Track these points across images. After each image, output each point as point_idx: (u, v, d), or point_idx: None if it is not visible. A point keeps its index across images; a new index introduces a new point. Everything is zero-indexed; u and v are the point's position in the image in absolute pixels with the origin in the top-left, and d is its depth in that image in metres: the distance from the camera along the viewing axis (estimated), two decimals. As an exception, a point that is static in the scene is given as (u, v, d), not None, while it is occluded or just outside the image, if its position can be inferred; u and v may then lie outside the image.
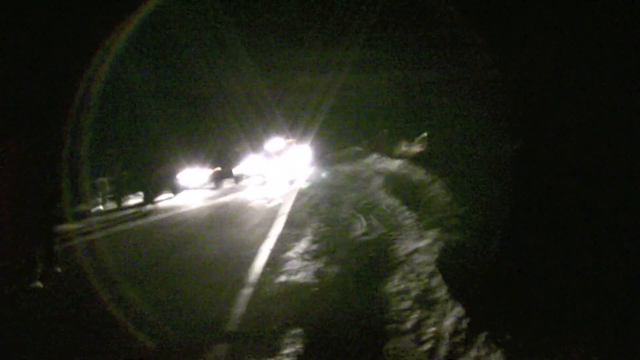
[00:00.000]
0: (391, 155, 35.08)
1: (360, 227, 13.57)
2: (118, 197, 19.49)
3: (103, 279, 9.77)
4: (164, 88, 31.89)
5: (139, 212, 18.40)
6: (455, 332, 5.99)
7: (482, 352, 5.42)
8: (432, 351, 5.97)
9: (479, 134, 21.80)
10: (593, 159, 11.41)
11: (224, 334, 6.72)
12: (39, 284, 9.21)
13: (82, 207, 18.52)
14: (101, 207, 18.72)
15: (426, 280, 7.97)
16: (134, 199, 21.06)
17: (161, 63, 32.58)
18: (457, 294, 6.75)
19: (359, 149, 45.19)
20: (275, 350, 6.17)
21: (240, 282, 8.93)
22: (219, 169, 27.68)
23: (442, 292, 7.09)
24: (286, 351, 6.12)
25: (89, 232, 14.51)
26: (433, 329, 6.37)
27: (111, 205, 19.65)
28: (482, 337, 5.58)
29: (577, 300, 6.40)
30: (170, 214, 17.90)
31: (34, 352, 6.79)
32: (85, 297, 8.79)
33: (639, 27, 10.66)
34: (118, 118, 28.26)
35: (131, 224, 15.62)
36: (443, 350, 5.87)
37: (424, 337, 6.30)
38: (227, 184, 29.26)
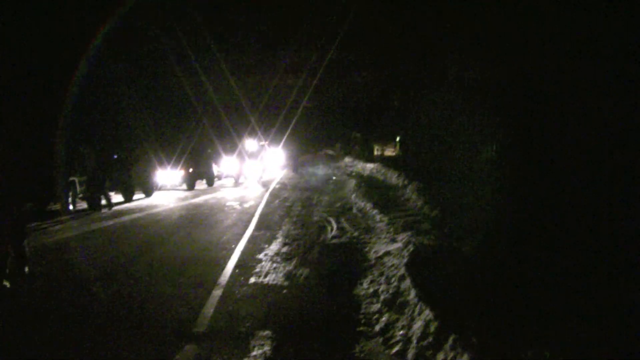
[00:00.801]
0: (364, 159, 35.22)
1: (331, 229, 13.59)
2: (90, 196, 19.31)
3: (72, 278, 9.67)
4: (139, 88, 31.70)
5: (112, 212, 18.24)
6: (423, 335, 5.99)
7: (450, 355, 5.43)
8: (401, 354, 5.98)
9: (452, 139, 21.96)
10: (566, 161, 11.55)
11: (194, 334, 6.67)
12: (7, 283, 9.08)
13: (55, 207, 18.31)
14: (71, 207, 18.53)
15: (396, 284, 7.98)
16: (107, 199, 20.88)
17: (137, 64, 32.37)
18: (426, 297, 6.76)
19: (331, 152, 45.32)
20: (245, 351, 6.14)
21: (211, 283, 8.87)
22: (192, 170, 27.53)
23: (411, 296, 7.09)
24: (255, 352, 6.09)
25: (59, 232, 14.34)
26: (402, 332, 6.38)
27: (83, 205, 19.46)
28: (450, 340, 5.59)
29: (545, 302, 6.45)
30: (142, 214, 17.76)
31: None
32: (53, 296, 8.69)
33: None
34: (93, 117, 28.02)
35: (103, 224, 15.46)
36: (411, 353, 5.89)
37: (393, 340, 6.31)
38: (201, 185, 29.15)
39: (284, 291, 8.51)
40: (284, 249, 11.46)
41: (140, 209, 19.09)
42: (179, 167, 26.59)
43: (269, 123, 40.20)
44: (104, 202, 19.68)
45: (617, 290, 6.87)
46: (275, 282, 9.02)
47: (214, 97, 36.08)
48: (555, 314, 6.12)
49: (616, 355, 5.19)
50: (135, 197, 22.57)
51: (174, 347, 6.26)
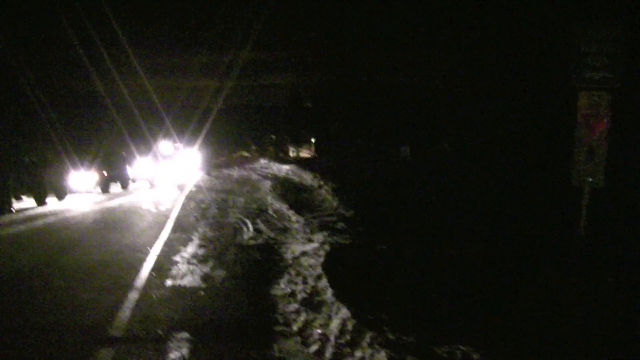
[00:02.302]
0: (279, 160, 35.28)
1: (247, 231, 13.57)
2: (0, 200, 18.64)
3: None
4: (48, 88, 30.82)
5: (23, 217, 17.68)
6: (341, 334, 6.08)
7: (367, 353, 5.53)
8: (319, 352, 6.04)
9: (365, 141, 22.27)
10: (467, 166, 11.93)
11: (109, 338, 6.57)
12: None
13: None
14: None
15: (313, 283, 8.06)
16: (18, 203, 20.21)
17: (48, 60, 31.49)
18: (343, 296, 6.86)
19: (247, 154, 45.21)
20: (162, 353, 6.09)
21: (126, 286, 8.74)
22: (106, 172, 26.94)
23: (328, 295, 7.18)
24: (172, 354, 6.05)
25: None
26: (319, 330, 6.44)
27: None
28: (367, 337, 5.69)
29: (459, 298, 6.65)
30: (55, 218, 17.28)
31: None
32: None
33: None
34: (1, 117, 27.08)
35: (13, 229, 14.99)
36: (330, 351, 5.96)
37: (311, 339, 6.37)
38: (115, 187, 28.58)
39: (201, 293, 8.46)
40: (200, 251, 11.38)
41: (53, 213, 18.57)
42: (92, 170, 25.96)
43: (185, 125, 39.76)
44: (15, 206, 19.10)
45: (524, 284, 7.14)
46: (191, 284, 8.95)
47: (128, 98, 35.45)
48: (469, 308, 6.32)
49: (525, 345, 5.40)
50: (47, 200, 21.94)
51: (89, 351, 6.15)
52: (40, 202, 21.26)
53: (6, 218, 17.32)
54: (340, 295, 6.87)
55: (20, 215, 18.14)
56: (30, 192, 21.58)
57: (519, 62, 11.46)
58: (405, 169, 17.73)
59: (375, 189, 16.62)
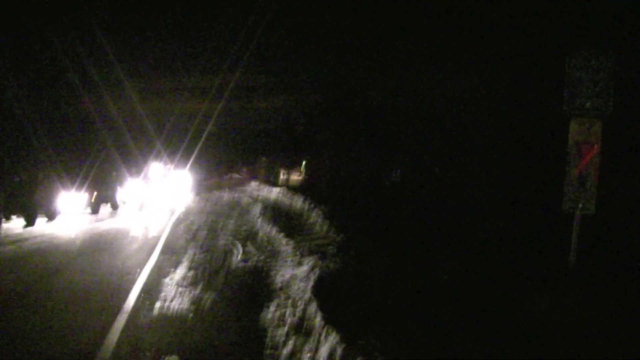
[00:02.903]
0: (270, 183, 35.29)
1: (237, 254, 13.55)
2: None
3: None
4: (39, 108, 30.77)
5: (11, 237, 17.56)
6: (330, 359, 6.06)
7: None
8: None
9: (356, 165, 22.31)
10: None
11: (96, 364, 6.53)
12: None
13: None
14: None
15: (302, 308, 8.04)
16: (7, 223, 20.10)
17: (39, 81, 31.49)
18: (333, 320, 6.84)
19: (238, 176, 45.20)
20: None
21: (115, 310, 8.68)
22: (96, 193, 26.89)
23: (317, 319, 7.16)
24: (161, 380, 6.03)
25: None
26: (309, 355, 6.42)
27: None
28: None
29: (451, 318, 6.64)
30: (44, 239, 17.19)
31: None
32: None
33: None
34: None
35: (2, 251, 14.89)
36: (319, 377, 5.94)
37: (300, 364, 6.35)
38: (105, 209, 28.49)
39: (191, 316, 8.43)
40: (190, 274, 11.34)
41: (42, 235, 18.48)
42: (82, 191, 25.89)
43: (175, 147, 39.77)
44: (3, 227, 18.98)
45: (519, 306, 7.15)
46: (181, 307, 8.92)
47: (118, 120, 35.45)
48: (462, 330, 6.31)
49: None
50: (37, 221, 21.82)
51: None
52: (30, 222, 21.16)
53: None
54: (330, 320, 6.85)
55: (9, 237, 18.03)
56: (20, 212, 21.49)
57: (511, 88, 11.56)
58: (396, 193, 17.75)
59: (366, 213, 16.63)
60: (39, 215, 22.27)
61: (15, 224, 20.47)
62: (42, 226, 21.10)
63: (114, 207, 29.07)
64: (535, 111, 10.97)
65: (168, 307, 8.93)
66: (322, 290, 8.41)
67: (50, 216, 23.13)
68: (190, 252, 14.00)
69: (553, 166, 9.87)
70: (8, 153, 26.22)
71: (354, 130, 22.61)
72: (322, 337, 6.60)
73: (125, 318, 8.32)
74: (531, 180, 11.27)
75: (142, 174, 33.58)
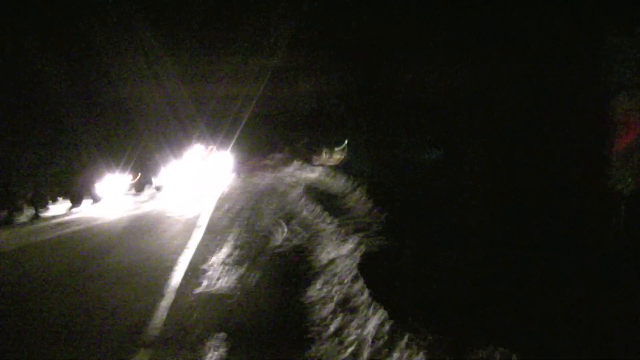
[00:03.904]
0: (312, 163, 35.26)
1: (282, 233, 13.56)
2: (36, 205, 18.85)
3: (17, 288, 9.47)
4: (83, 92, 31.14)
5: (59, 221, 17.85)
6: (378, 335, 6.03)
7: (405, 355, 5.47)
8: (355, 355, 6.01)
9: (397, 143, 22.14)
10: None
11: (145, 340, 6.60)
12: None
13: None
14: (22, 217, 18.05)
15: (349, 285, 8.01)
16: (54, 207, 20.48)
17: (79, 66, 31.82)
18: (379, 298, 6.80)
19: (280, 156, 45.21)
20: (199, 354, 6.10)
21: (161, 289, 8.78)
22: (140, 176, 27.28)
23: (364, 297, 7.13)
24: (210, 355, 6.05)
25: (3, 243, 13.98)
26: (356, 332, 6.40)
27: (28, 213, 18.99)
28: (404, 339, 5.63)
29: (495, 300, 6.56)
30: (89, 221, 17.47)
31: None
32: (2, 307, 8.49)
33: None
34: (35, 122, 27.41)
35: (47, 235, 15.14)
36: (366, 353, 5.91)
37: (347, 341, 6.33)
38: (149, 191, 28.83)
39: (236, 294, 8.47)
40: (235, 253, 11.39)
41: (88, 216, 18.77)
42: (126, 173, 26.27)
43: (217, 128, 39.92)
44: (51, 211, 19.31)
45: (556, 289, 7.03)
46: (227, 285, 8.97)
47: (161, 103, 35.72)
48: (507, 311, 6.23)
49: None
50: (83, 204, 22.18)
51: (128, 352, 6.18)
52: (76, 204, 21.52)
53: (40, 224, 17.53)
54: (377, 297, 6.81)
55: (56, 219, 18.33)
56: (65, 194, 21.89)
57: (552, 64, 11.31)
58: (438, 171, 17.58)
59: (409, 190, 16.51)
60: (84, 197, 22.64)
61: (61, 206, 20.83)
62: (87, 208, 21.44)
63: (157, 188, 29.41)
64: (577, 86, 10.74)
65: (214, 286, 8.98)
66: (368, 268, 8.37)
67: (95, 198, 23.51)
68: (234, 231, 14.06)
69: (594, 146, 9.64)
70: (53, 137, 26.63)
71: (392, 108, 22.40)
72: (369, 314, 6.57)
73: (172, 297, 8.40)
74: (574, 161, 11.05)
75: (185, 156, 33.86)
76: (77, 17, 27.24)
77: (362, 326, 6.44)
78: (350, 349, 6.13)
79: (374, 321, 6.31)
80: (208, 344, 6.41)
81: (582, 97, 10.44)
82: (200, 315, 7.47)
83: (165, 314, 7.60)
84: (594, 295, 6.79)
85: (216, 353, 6.13)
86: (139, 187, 27.15)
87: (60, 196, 22.05)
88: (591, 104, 9.99)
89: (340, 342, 6.35)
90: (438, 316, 6.04)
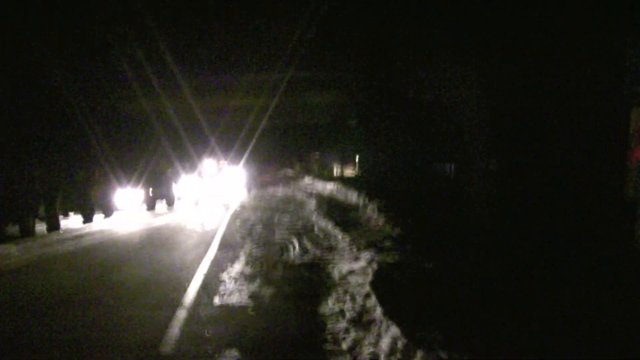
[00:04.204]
0: (324, 178, 35.32)
1: (294, 249, 13.59)
2: (49, 218, 18.99)
3: (32, 303, 9.51)
4: (97, 106, 31.34)
5: (73, 234, 17.94)
6: (391, 352, 6.05)
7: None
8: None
9: (409, 160, 22.17)
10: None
11: (159, 356, 6.63)
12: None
13: (10, 229, 17.99)
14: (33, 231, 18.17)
15: (361, 302, 8.04)
16: (65, 219, 20.62)
17: (92, 80, 32.05)
18: (392, 314, 6.82)
19: (291, 172, 45.36)
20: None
21: (175, 304, 8.81)
22: (152, 190, 27.40)
23: (377, 313, 7.16)
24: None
25: (17, 256, 14.08)
26: (370, 349, 6.42)
27: (41, 227, 19.12)
28: (418, 355, 5.65)
29: (513, 318, 6.56)
30: (103, 235, 17.56)
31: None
32: (11, 323, 8.53)
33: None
34: (46, 134, 27.57)
35: (62, 247, 15.23)
36: (379, 370, 5.94)
37: (361, 357, 6.34)
38: (161, 205, 28.94)
39: (250, 311, 8.50)
40: (248, 269, 11.43)
41: (100, 230, 18.87)
42: (138, 188, 26.39)
43: (229, 143, 40.08)
44: (64, 223, 19.41)
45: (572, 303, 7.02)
46: (240, 302, 8.99)
47: (173, 117, 35.90)
48: (522, 326, 6.24)
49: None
50: (94, 218, 22.28)
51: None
52: (88, 219, 21.63)
53: (55, 236, 17.63)
54: (390, 313, 6.84)
55: (68, 233, 18.43)
56: (77, 209, 22.01)
57: (569, 76, 11.32)
58: (450, 187, 17.60)
59: (421, 207, 16.54)
60: (96, 212, 22.76)
61: (73, 221, 20.95)
62: (99, 222, 21.55)
63: (170, 203, 29.50)
64: (595, 99, 10.75)
65: (227, 302, 9.01)
66: (381, 284, 8.40)
67: (107, 212, 23.63)
68: (247, 247, 14.10)
69: (614, 154, 9.65)
70: (65, 151, 26.78)
71: (407, 125, 22.47)
72: (382, 331, 6.59)
73: (186, 312, 8.43)
74: (592, 169, 11.05)
75: (197, 170, 34.00)
76: (94, 31, 27.46)
77: (375, 343, 6.47)
78: (363, 366, 6.16)
79: (387, 338, 6.33)
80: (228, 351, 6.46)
81: (602, 108, 10.46)
82: (214, 330, 7.50)
83: (179, 328, 7.64)
84: (611, 296, 6.81)
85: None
86: (151, 202, 27.28)
87: (72, 211, 22.19)
88: (611, 115, 10.01)
89: (355, 358, 6.37)
90: (452, 333, 6.05)
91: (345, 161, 39.33)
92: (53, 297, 9.74)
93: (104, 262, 13.09)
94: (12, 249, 14.93)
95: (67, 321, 8.26)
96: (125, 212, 25.01)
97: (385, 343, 6.28)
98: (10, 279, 11.72)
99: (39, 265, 12.98)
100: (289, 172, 45.25)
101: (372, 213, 17.27)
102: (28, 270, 12.49)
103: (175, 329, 7.62)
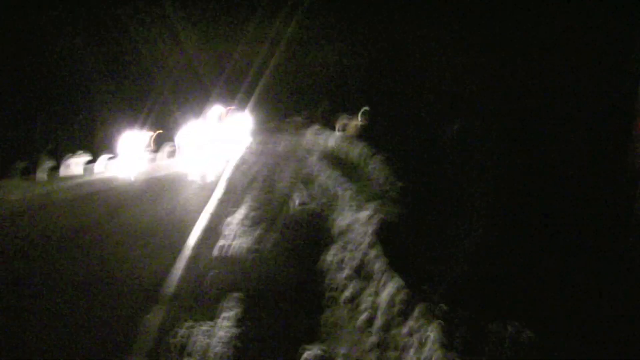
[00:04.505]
0: (330, 128, 35.18)
1: (299, 196, 13.56)
2: (57, 157, 18.94)
3: (36, 244, 9.54)
4: (105, 50, 31.13)
5: (80, 178, 17.92)
6: (391, 303, 6.05)
7: (419, 323, 5.49)
8: (370, 321, 6.04)
9: (416, 113, 22.02)
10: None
11: (163, 295, 6.66)
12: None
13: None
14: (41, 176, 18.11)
15: (364, 252, 8.03)
16: (73, 161, 20.60)
17: (97, 25, 31.77)
18: (395, 266, 6.81)
19: (298, 119, 45.15)
20: (214, 312, 6.15)
21: (177, 248, 8.83)
22: (156, 134, 27.40)
23: (379, 264, 7.15)
24: (225, 314, 6.10)
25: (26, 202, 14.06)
26: (370, 299, 6.42)
27: (47, 166, 19.08)
28: (419, 308, 5.65)
29: (511, 275, 6.55)
30: (104, 181, 17.55)
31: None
32: (18, 263, 8.56)
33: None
34: (57, 76, 27.44)
35: (66, 194, 15.20)
36: (380, 320, 5.94)
37: (362, 307, 6.35)
38: (168, 148, 28.93)
39: (252, 256, 8.51)
40: (251, 214, 11.42)
41: (103, 175, 18.86)
42: (143, 132, 26.37)
43: (236, 89, 39.86)
44: (70, 169, 19.43)
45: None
46: (242, 246, 9.00)
47: (180, 63, 35.66)
48: (522, 287, 6.22)
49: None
50: (102, 161, 22.28)
51: (143, 308, 6.24)
52: (94, 158, 21.64)
53: (60, 182, 17.62)
54: (392, 265, 6.82)
55: (73, 180, 18.41)
56: (85, 148, 22.03)
57: (583, 55, 11.13)
58: (454, 147, 17.50)
59: (425, 161, 16.47)
60: (103, 152, 22.77)
61: (80, 161, 20.96)
62: (106, 165, 21.56)
63: (174, 148, 29.48)
64: (605, 79, 10.59)
65: (229, 247, 9.02)
66: (384, 236, 8.38)
67: (114, 153, 23.63)
68: (252, 192, 14.07)
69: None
70: (69, 95, 26.69)
71: (414, 79, 22.25)
72: (384, 282, 6.59)
73: (188, 256, 8.45)
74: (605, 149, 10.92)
75: (202, 116, 33.86)
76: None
77: (376, 293, 6.46)
78: (364, 315, 6.16)
79: (388, 289, 6.32)
80: (224, 302, 6.46)
81: (612, 90, 10.31)
82: (215, 275, 7.52)
83: (181, 273, 7.66)
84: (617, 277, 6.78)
85: (232, 311, 6.18)
86: (155, 147, 27.26)
87: (80, 149, 22.19)
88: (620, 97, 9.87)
89: (355, 308, 6.38)
90: (453, 287, 6.04)
91: (351, 112, 39.10)
92: (59, 240, 9.77)
93: (106, 208, 13.10)
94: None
95: (70, 264, 8.29)
96: (129, 157, 25.02)
97: (386, 294, 6.28)
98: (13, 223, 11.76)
99: (44, 208, 13.00)
100: (296, 120, 45.03)
101: (377, 165, 17.20)
102: (31, 214, 12.51)
103: (177, 272, 7.65)
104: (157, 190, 15.44)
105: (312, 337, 6.06)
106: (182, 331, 6.01)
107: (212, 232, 9.98)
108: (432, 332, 5.29)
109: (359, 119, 36.13)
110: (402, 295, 6.01)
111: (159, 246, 9.09)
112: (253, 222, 10.75)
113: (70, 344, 6.16)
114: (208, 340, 6.02)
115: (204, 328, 6.04)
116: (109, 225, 10.89)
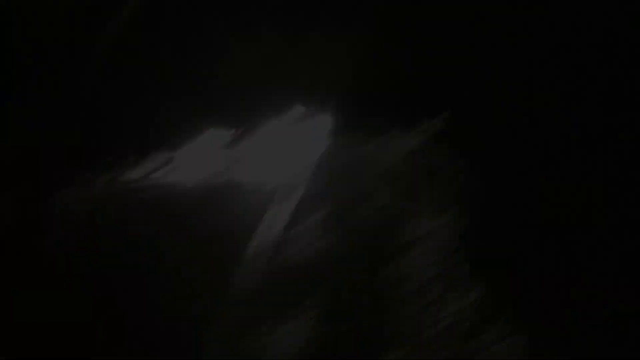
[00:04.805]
0: (413, 129, 35.17)
1: (380, 198, 13.38)
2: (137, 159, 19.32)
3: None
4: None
5: (142, 185, 18.12)
6: (476, 310, 5.90)
7: (505, 332, 5.35)
8: (451, 328, 5.91)
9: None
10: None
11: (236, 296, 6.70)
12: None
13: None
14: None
15: (448, 256, 7.84)
16: (154, 165, 21.06)
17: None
18: (480, 272, 6.62)
19: (384, 119, 45.30)
20: (294, 313, 6.14)
21: (241, 255, 8.80)
22: (236, 132, 27.90)
23: (464, 269, 6.97)
24: (303, 315, 6.08)
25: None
26: (453, 305, 6.27)
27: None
28: (504, 316, 5.50)
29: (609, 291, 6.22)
30: (174, 187, 17.75)
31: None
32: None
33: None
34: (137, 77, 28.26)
35: (132, 197, 15.41)
36: (463, 327, 5.82)
37: (444, 313, 6.21)
38: (240, 149, 29.45)
39: (329, 257, 8.42)
40: (330, 215, 11.18)
41: (173, 179, 19.16)
42: (224, 129, 26.87)
43: (318, 88, 40.31)
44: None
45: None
46: (320, 246, 8.91)
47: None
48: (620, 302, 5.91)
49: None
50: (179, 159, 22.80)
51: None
52: (167, 157, 22.02)
53: (124, 186, 17.90)
54: (478, 270, 6.66)
55: (136, 184, 18.64)
56: (165, 146, 22.49)
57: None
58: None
59: (517, 162, 16.15)
60: (179, 148, 23.22)
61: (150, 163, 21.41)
62: (176, 165, 21.93)
63: (252, 147, 29.90)
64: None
65: (306, 247, 8.91)
66: (470, 240, 8.17)
67: (190, 151, 24.06)
68: (329, 194, 13.88)
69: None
70: (154, 90, 27.34)
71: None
72: (469, 287, 6.46)
73: (261, 256, 8.44)
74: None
75: (282, 116, 34.25)
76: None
77: (460, 299, 6.30)
78: (446, 322, 6.02)
79: (473, 295, 6.16)
80: (299, 304, 6.44)
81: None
82: (291, 277, 7.48)
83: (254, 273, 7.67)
84: None
85: (310, 313, 6.14)
86: (233, 143, 27.67)
87: (161, 146, 22.63)
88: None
89: (437, 314, 6.23)
90: (545, 297, 5.83)
91: (433, 113, 39.09)
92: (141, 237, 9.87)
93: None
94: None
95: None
96: (204, 154, 25.48)
97: (470, 300, 6.20)
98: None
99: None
100: (380, 120, 45.19)
101: (462, 167, 17.01)
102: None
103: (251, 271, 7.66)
104: (234, 189, 15.47)
105: (393, 342, 5.97)
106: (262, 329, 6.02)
107: (289, 232, 9.90)
108: (520, 339, 5.17)
109: (441, 119, 35.82)
110: (487, 303, 5.85)
111: (219, 255, 9.04)
112: (330, 223, 10.62)
113: (147, 345, 6.23)
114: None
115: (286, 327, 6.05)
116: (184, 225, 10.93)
